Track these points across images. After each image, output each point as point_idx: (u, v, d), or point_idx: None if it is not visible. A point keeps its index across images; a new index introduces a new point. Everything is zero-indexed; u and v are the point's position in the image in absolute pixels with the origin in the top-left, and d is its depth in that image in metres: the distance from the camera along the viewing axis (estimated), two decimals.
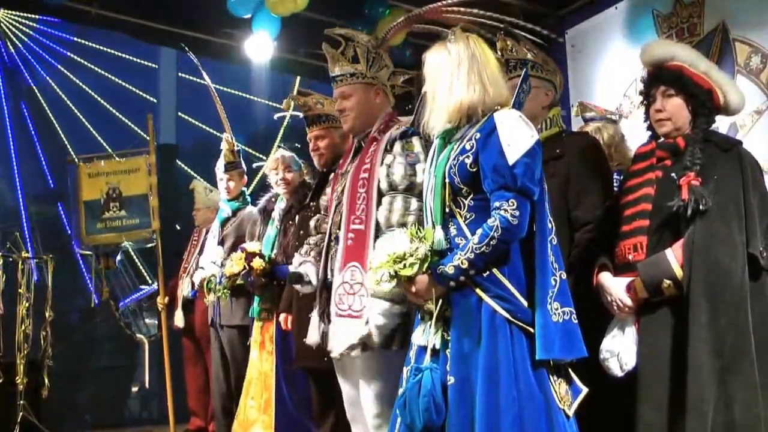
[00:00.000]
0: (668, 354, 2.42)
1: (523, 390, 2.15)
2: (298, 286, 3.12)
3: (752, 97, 4.25)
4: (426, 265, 2.25)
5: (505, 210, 2.18)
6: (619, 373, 2.51)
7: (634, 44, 4.92)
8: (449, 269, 2.22)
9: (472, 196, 2.29)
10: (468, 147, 2.28)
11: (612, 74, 5.05)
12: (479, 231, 2.21)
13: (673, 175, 2.53)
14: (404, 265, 2.23)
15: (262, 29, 5.44)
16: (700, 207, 2.40)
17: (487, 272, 2.22)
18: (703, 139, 2.57)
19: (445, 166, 2.32)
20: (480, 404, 2.14)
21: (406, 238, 2.26)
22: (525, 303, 2.22)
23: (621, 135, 3.74)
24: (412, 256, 2.23)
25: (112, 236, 6.22)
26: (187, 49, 5.54)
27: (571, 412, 2.23)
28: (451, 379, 2.20)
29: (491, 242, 2.18)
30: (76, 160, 6.48)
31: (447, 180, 2.30)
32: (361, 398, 2.83)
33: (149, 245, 6.24)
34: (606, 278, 2.61)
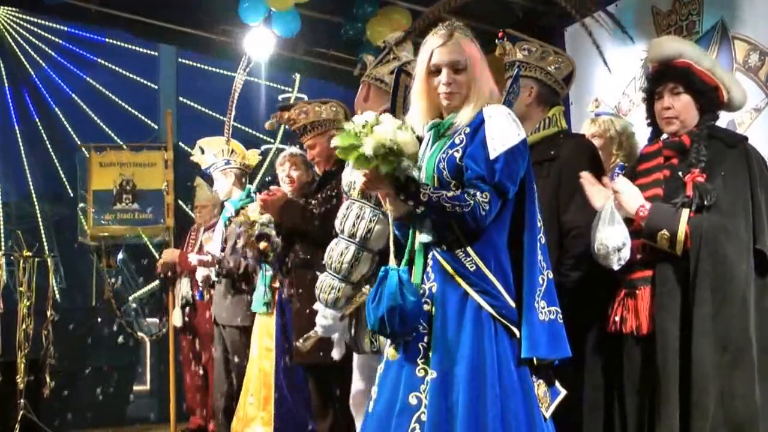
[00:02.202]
0: (678, 349, 2.44)
1: (507, 388, 2.13)
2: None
3: (751, 94, 4.22)
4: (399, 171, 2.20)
5: (479, 200, 2.16)
6: (616, 267, 2.53)
7: (634, 42, 4.92)
8: (411, 186, 2.19)
9: (460, 189, 2.26)
10: (458, 141, 2.27)
11: (611, 72, 5.04)
12: (458, 192, 2.20)
13: (680, 173, 2.53)
14: (389, 161, 2.15)
15: (277, 29, 5.44)
16: (705, 203, 2.40)
17: (474, 267, 2.20)
18: (708, 136, 2.57)
19: (435, 159, 2.30)
20: (463, 399, 2.11)
21: (411, 139, 2.20)
22: (511, 301, 2.21)
23: (631, 131, 3.75)
24: (400, 157, 2.18)
25: (121, 229, 6.15)
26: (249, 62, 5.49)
27: (548, 414, 2.21)
28: (432, 373, 2.18)
29: (456, 209, 2.16)
30: (85, 149, 6.39)
31: (436, 174, 2.29)
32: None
33: (158, 240, 6.23)
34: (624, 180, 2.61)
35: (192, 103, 10.38)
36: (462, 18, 2.50)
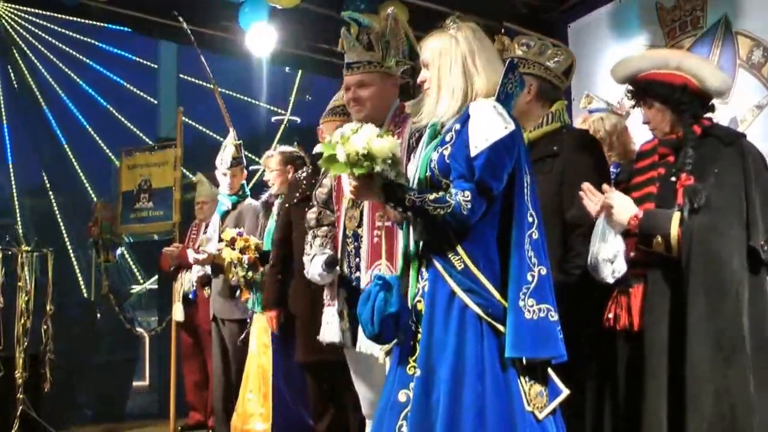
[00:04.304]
0: (668, 346, 2.43)
1: (489, 388, 2.11)
2: (323, 274, 2.99)
3: (753, 91, 4.23)
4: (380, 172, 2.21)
5: (459, 200, 2.14)
6: (611, 280, 2.52)
7: (638, 38, 4.90)
8: (397, 192, 2.20)
9: (451, 188, 2.24)
10: (448, 139, 2.25)
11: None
12: (440, 194, 2.19)
13: (672, 178, 2.52)
14: (361, 165, 2.18)
15: (252, 21, 5.43)
16: (695, 206, 2.39)
17: (462, 266, 2.18)
18: (698, 135, 2.54)
19: (428, 158, 2.29)
20: (443, 399, 2.11)
21: (388, 149, 2.20)
22: (501, 299, 2.17)
23: (624, 126, 3.71)
24: (391, 163, 2.21)
25: (139, 227, 6.51)
26: (190, 34, 5.49)
27: (542, 415, 2.15)
28: (417, 371, 2.18)
29: (438, 211, 2.15)
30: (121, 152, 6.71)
31: (428, 173, 2.27)
32: None
33: (168, 237, 6.31)
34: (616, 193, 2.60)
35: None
36: (465, 13, 2.48)
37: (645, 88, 2.64)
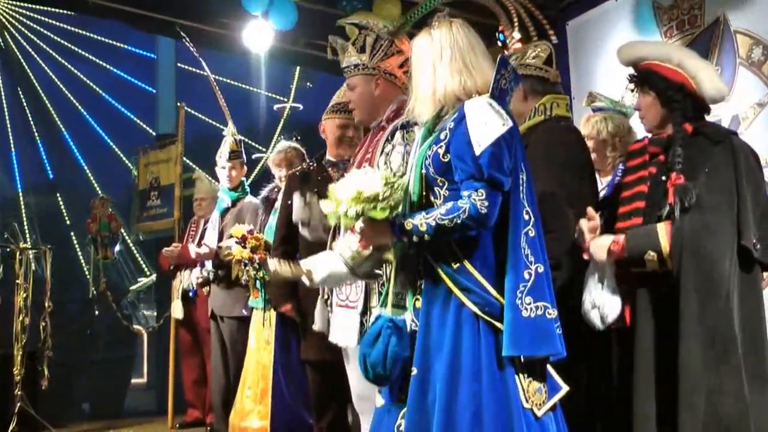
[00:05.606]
0: (660, 345, 2.43)
1: (486, 386, 2.11)
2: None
3: (754, 89, 4.23)
4: (394, 212, 2.22)
5: (474, 200, 2.14)
6: (600, 326, 2.52)
7: (636, 36, 4.90)
8: (408, 224, 2.19)
9: (446, 186, 2.24)
10: (442, 137, 2.24)
11: (613, 66, 5.00)
12: (449, 204, 2.18)
13: (662, 177, 2.52)
14: (375, 207, 2.19)
15: (274, 22, 5.41)
16: (686, 205, 2.39)
17: (458, 264, 2.18)
18: (687, 134, 2.54)
19: (423, 156, 2.29)
20: (440, 398, 2.11)
21: (380, 181, 2.22)
22: (499, 297, 2.16)
23: (628, 127, 3.68)
24: (384, 200, 2.20)
25: (148, 225, 6.59)
26: (185, 36, 5.48)
27: (540, 413, 2.15)
28: (414, 370, 2.18)
29: (455, 221, 2.14)
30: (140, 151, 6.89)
31: (423, 171, 2.27)
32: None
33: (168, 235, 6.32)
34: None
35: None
36: (461, 10, 2.47)
37: (644, 76, 2.65)
